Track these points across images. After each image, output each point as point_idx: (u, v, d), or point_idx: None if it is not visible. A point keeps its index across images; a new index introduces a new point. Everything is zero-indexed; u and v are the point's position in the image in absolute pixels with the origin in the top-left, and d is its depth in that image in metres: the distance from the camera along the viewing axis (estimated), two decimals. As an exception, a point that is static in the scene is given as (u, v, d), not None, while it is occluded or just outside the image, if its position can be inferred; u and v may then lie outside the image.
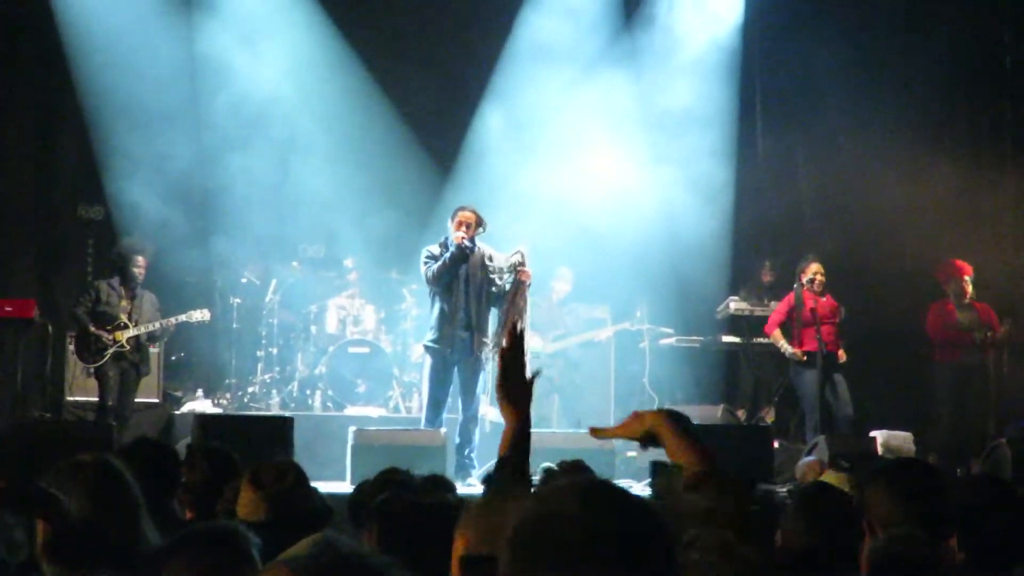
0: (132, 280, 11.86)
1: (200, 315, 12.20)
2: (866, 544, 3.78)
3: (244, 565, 2.73)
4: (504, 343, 3.47)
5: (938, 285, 12.86)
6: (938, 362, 12.70)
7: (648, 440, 3.30)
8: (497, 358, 3.45)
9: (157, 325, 11.90)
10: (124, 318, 11.74)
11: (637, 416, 3.29)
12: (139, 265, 11.89)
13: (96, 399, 11.84)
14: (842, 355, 12.30)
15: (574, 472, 5.55)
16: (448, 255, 10.24)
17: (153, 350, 12.61)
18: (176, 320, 12.06)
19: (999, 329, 12.60)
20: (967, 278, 12.60)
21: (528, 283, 10.34)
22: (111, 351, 11.64)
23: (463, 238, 10.24)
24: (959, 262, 12.67)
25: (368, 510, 3.92)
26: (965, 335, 12.45)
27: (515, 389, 3.41)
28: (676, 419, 3.26)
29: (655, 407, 12.92)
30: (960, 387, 12.48)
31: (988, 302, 12.76)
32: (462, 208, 10.55)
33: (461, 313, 10.30)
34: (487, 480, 3.52)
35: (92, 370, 11.76)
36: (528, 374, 3.46)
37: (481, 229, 10.43)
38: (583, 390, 13.47)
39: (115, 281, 11.90)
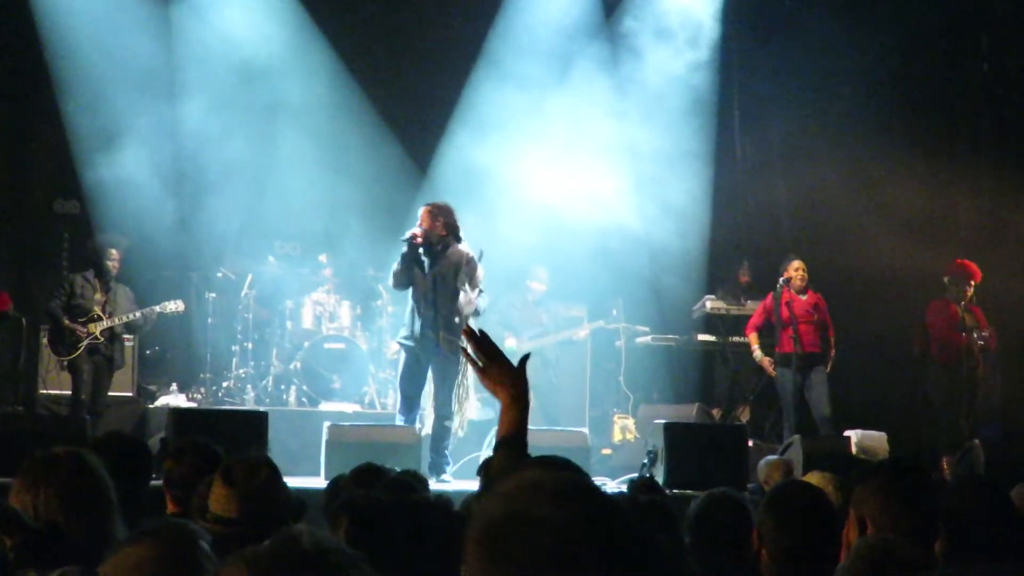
0: (106, 274, 11.84)
1: (174, 306, 12.22)
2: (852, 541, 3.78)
3: (194, 567, 2.69)
4: (467, 346, 3.47)
5: (936, 283, 12.86)
6: (937, 361, 12.69)
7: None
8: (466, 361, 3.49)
9: (138, 315, 11.89)
10: (98, 311, 11.71)
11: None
12: (113, 259, 11.87)
13: (69, 393, 11.82)
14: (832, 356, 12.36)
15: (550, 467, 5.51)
16: (400, 258, 10.32)
17: (128, 343, 12.58)
18: (151, 311, 12.05)
19: (991, 334, 12.68)
20: (973, 283, 12.63)
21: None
22: (85, 344, 11.61)
23: (415, 234, 10.28)
24: (972, 265, 12.69)
25: (339, 506, 3.93)
26: (967, 336, 12.46)
27: (499, 375, 3.41)
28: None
29: (629, 406, 13.06)
30: (955, 387, 12.50)
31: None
32: (426, 203, 10.63)
33: (431, 311, 10.28)
34: (483, 467, 3.51)
35: (66, 363, 11.73)
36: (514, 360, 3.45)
37: (445, 219, 10.40)
38: (559, 389, 13.47)
39: (90, 274, 11.87)
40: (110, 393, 12.16)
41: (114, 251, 11.91)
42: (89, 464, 3.72)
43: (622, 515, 1.89)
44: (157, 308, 12.11)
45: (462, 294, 10.29)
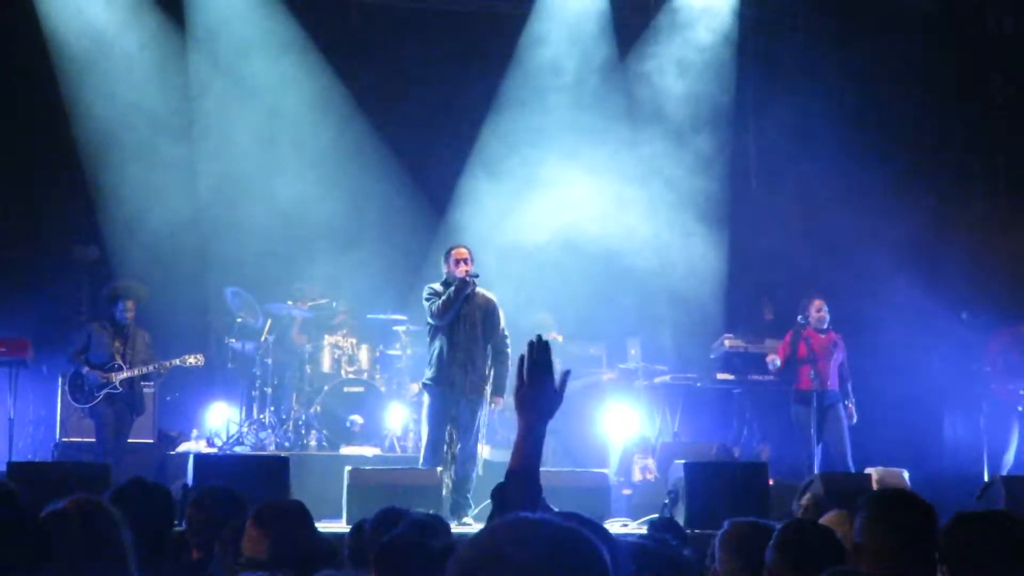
0: (121, 322, 11.86)
1: (194, 359, 12.17)
2: None
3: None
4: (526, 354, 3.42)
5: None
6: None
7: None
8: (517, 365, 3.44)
9: (151, 368, 11.90)
10: (118, 359, 11.74)
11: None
12: (128, 310, 11.88)
13: (91, 440, 11.83)
14: (851, 408, 12.33)
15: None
16: (453, 289, 10.30)
17: (149, 390, 12.60)
18: (170, 364, 12.05)
19: None
20: None
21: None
22: (104, 392, 11.64)
23: (467, 271, 10.32)
24: None
25: (367, 551, 3.93)
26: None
27: (533, 395, 3.39)
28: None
29: (649, 446, 13.02)
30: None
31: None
32: (455, 246, 10.66)
33: (460, 352, 10.34)
34: (496, 492, 3.55)
35: (86, 411, 11.75)
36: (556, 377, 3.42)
37: (473, 265, 10.54)
38: (577, 430, 13.46)
39: (107, 322, 11.90)
40: (131, 440, 12.17)
41: (129, 303, 11.92)
42: (100, 514, 3.68)
43: (584, 549, 1.97)
44: (176, 361, 12.09)
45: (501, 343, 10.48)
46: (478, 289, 10.49)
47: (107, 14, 13.66)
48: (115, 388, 11.70)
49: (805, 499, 8.54)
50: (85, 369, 11.69)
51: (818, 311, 12.34)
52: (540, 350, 3.42)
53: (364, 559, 4.08)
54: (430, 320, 10.53)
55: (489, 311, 10.54)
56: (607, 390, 13.73)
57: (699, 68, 14.52)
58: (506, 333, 10.63)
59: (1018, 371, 12.56)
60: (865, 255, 14.18)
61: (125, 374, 11.74)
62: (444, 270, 10.54)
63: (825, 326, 12.35)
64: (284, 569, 3.91)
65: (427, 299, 10.47)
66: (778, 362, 12.38)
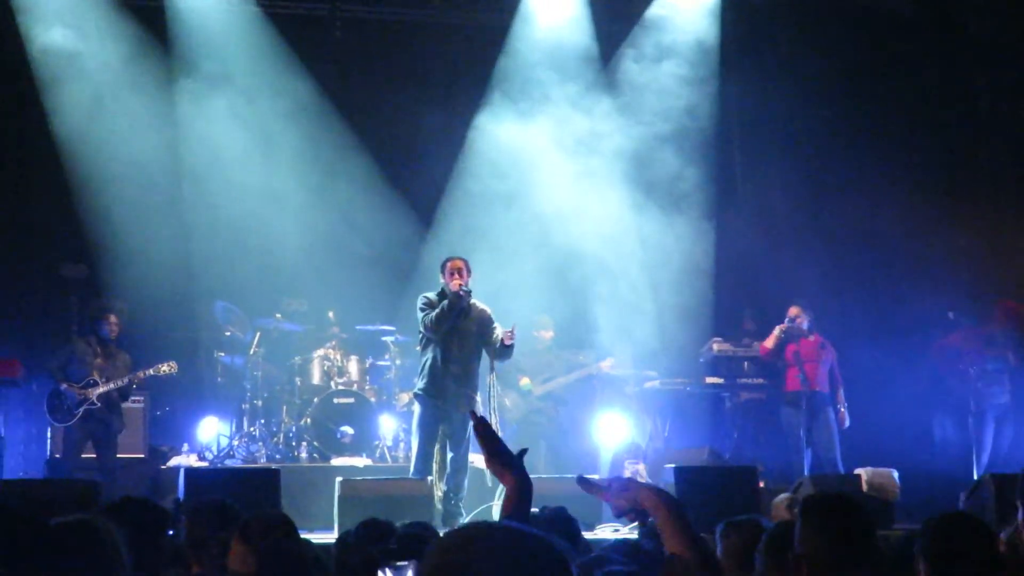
0: (105, 338, 11.84)
1: (167, 367, 12.04)
2: None
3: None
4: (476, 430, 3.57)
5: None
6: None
7: (636, 515, 3.37)
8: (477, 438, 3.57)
9: (125, 380, 11.82)
10: (96, 374, 11.68)
11: (631, 486, 3.36)
12: (111, 323, 11.85)
13: (88, 455, 11.78)
14: (843, 413, 12.40)
15: (554, 519, 5.57)
16: (447, 303, 10.32)
17: (138, 405, 12.60)
18: (144, 374, 11.96)
19: None
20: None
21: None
22: (83, 409, 11.58)
23: (460, 285, 10.34)
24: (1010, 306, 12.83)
25: (357, 563, 3.93)
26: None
27: (502, 459, 3.51)
28: (675, 507, 3.33)
29: (639, 451, 13.01)
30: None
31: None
32: (451, 258, 10.65)
33: (453, 364, 10.37)
34: None
35: (60, 429, 11.71)
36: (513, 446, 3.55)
37: (470, 277, 10.54)
38: (568, 434, 13.49)
39: (92, 339, 11.87)
40: (122, 455, 12.15)
41: (112, 316, 11.90)
42: (102, 528, 3.67)
43: (549, 557, 2.00)
44: (150, 371, 12.00)
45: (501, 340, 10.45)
46: (472, 301, 10.51)
47: (90, 33, 13.67)
48: (93, 404, 11.65)
49: (779, 499, 8.54)
50: (64, 386, 11.61)
51: (796, 316, 12.45)
52: (483, 429, 3.58)
53: (349, 571, 4.08)
54: (423, 330, 10.56)
55: (484, 322, 10.55)
56: (598, 389, 13.74)
57: (683, 73, 14.55)
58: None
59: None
60: (852, 257, 14.22)
61: (101, 388, 11.68)
62: (441, 280, 10.56)
63: (806, 329, 12.46)
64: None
65: (421, 309, 10.49)
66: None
